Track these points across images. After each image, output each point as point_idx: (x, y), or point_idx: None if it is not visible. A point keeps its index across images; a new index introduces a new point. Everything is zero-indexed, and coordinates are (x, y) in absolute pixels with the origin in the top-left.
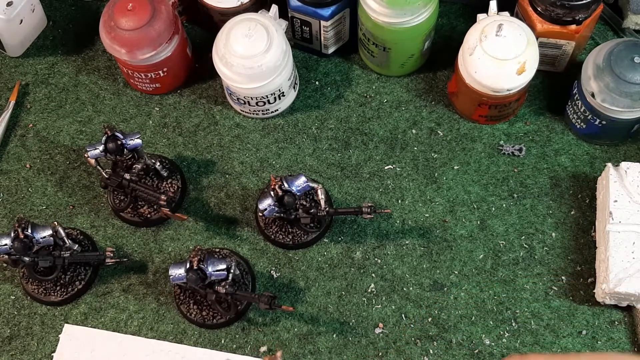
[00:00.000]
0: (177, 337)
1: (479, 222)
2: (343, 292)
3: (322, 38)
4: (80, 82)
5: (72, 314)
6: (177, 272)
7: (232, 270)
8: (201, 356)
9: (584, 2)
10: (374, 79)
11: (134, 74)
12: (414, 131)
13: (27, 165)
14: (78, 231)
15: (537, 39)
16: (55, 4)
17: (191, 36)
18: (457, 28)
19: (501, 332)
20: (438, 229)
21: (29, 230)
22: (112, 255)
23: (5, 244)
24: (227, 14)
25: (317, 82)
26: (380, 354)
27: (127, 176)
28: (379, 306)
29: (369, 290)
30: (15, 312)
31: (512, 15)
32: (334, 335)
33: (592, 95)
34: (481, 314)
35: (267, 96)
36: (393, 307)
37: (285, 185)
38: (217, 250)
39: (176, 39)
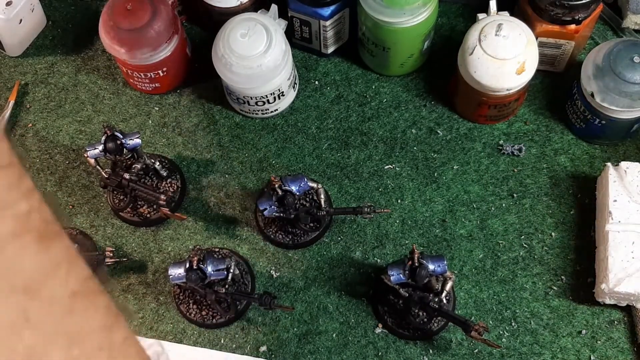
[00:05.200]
0: (176, 336)
1: (478, 222)
2: (343, 292)
3: (321, 38)
4: (80, 82)
5: None
6: (177, 271)
7: (231, 270)
8: (201, 356)
9: (584, 1)
10: (373, 78)
11: (133, 74)
12: (413, 131)
13: (27, 165)
14: (77, 231)
15: (536, 38)
16: (54, 4)
17: (191, 36)
18: (456, 28)
19: (501, 332)
20: (437, 229)
21: None
22: (111, 255)
23: None
24: (227, 14)
25: (316, 82)
26: (380, 353)
27: (126, 176)
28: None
29: (369, 290)
30: None
31: (511, 14)
32: (334, 335)
33: (592, 95)
34: (481, 314)
35: (266, 96)
36: None
37: (285, 185)
38: (217, 250)
39: (176, 38)
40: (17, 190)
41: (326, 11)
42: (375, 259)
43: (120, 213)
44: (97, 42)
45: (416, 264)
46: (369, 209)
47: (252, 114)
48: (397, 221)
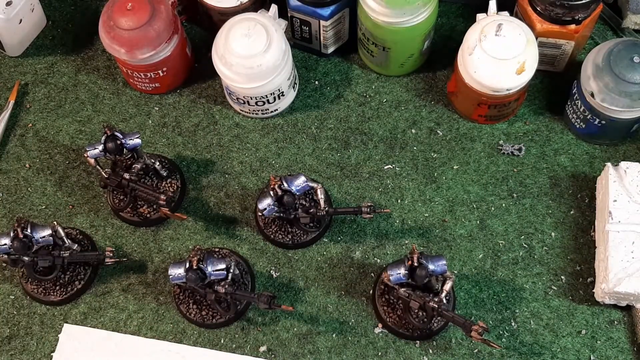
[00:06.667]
0: (176, 336)
1: (478, 222)
2: (343, 292)
3: (321, 38)
4: (80, 82)
5: (72, 313)
6: (177, 271)
7: (231, 270)
8: (201, 356)
9: (584, 1)
10: (373, 78)
11: (133, 74)
12: (413, 131)
13: (27, 165)
14: (77, 231)
15: (536, 38)
16: (54, 4)
17: (191, 36)
18: (456, 28)
19: (501, 332)
20: (437, 229)
21: (29, 230)
22: (111, 255)
23: (5, 244)
24: (227, 14)
25: (316, 82)
26: (379, 353)
27: (126, 176)
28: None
29: (369, 290)
30: (15, 312)
31: (511, 15)
32: (334, 335)
33: (592, 95)
34: (481, 314)
35: (266, 96)
36: None
37: (285, 185)
38: (217, 250)
39: (176, 38)
40: None
41: (326, 11)
42: (375, 259)
43: (120, 213)
44: (97, 42)
45: (416, 264)
46: (369, 209)
47: (252, 114)
48: (397, 221)
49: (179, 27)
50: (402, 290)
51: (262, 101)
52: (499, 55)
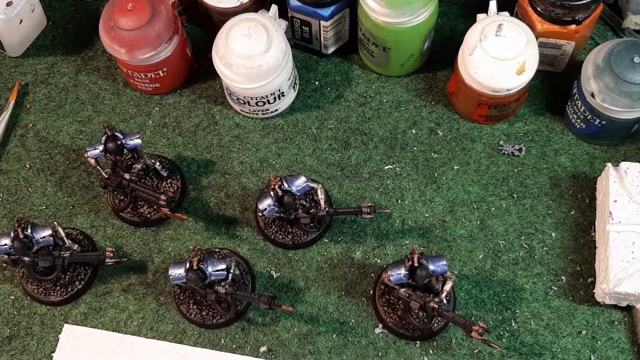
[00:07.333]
0: (176, 337)
1: (478, 222)
2: (343, 292)
3: (322, 38)
4: (80, 82)
5: (72, 314)
6: (177, 272)
7: (231, 270)
8: (201, 356)
9: (584, 2)
10: (373, 79)
11: (133, 74)
12: (413, 131)
13: (27, 165)
14: (78, 231)
15: (536, 38)
16: (55, 4)
17: (191, 36)
18: (456, 28)
19: (501, 332)
20: (438, 229)
21: (29, 230)
22: (111, 255)
23: (5, 244)
24: (227, 14)
25: (316, 82)
26: (380, 354)
27: (126, 176)
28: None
29: (369, 290)
30: (15, 312)
31: (511, 15)
32: (334, 335)
33: (592, 95)
34: (481, 314)
35: (266, 96)
36: None
37: (285, 185)
38: (217, 250)
39: (176, 38)
40: None
41: (326, 11)
42: (375, 259)
43: (120, 213)
44: (97, 42)
45: (416, 264)
46: (369, 209)
47: (253, 114)
48: (397, 221)
49: (179, 27)
50: (402, 290)
51: (263, 101)
52: (499, 56)
